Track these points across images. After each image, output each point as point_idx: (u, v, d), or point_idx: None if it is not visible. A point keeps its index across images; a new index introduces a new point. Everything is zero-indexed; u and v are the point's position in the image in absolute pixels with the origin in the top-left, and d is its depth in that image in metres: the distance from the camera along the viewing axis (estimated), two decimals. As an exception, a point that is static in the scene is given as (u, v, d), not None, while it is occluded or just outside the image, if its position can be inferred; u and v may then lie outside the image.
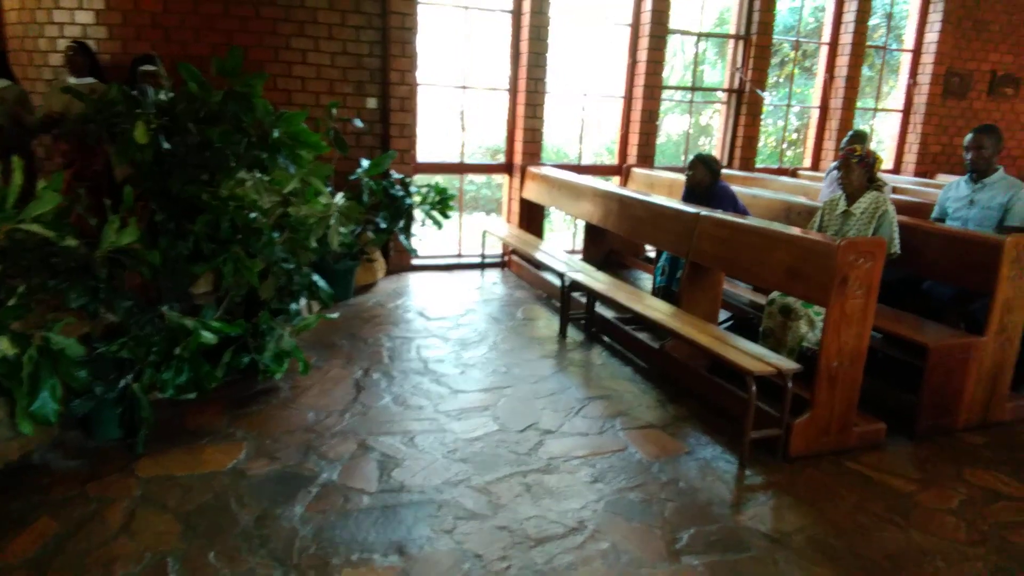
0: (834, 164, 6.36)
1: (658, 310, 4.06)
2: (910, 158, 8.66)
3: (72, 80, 4.78)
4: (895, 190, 6.18)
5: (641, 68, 6.88)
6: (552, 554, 2.48)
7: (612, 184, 6.29)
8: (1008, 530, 2.77)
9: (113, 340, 3.00)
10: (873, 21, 7.96)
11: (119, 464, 2.94)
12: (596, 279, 4.70)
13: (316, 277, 4.04)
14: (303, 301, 4.11)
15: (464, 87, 6.41)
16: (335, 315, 4.29)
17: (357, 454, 3.11)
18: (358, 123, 5.65)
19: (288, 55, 5.67)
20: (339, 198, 4.15)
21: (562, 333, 4.80)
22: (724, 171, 5.81)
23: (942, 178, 7.92)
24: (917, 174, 8.48)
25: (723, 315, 4.65)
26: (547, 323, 5.06)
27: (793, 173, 7.90)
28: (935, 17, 8.14)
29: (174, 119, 3.51)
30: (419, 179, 6.22)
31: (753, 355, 3.33)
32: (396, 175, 5.78)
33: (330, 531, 2.56)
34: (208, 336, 3.16)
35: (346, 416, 3.47)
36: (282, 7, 5.53)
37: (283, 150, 3.79)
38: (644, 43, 6.81)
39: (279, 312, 3.87)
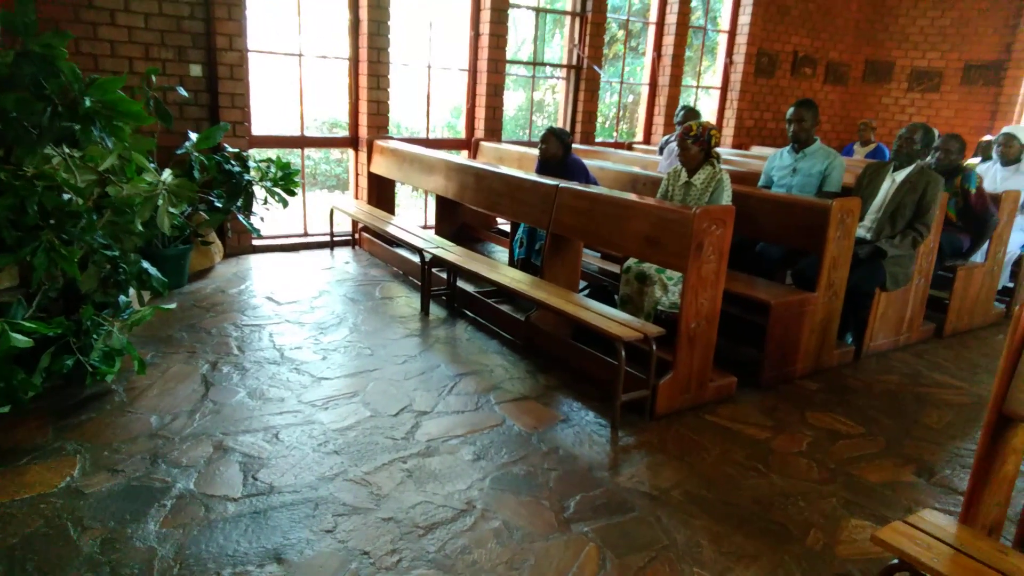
0: (666, 137, 6.72)
1: (522, 282, 4.06)
2: (728, 131, 9.37)
3: None
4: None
5: (484, 41, 6.81)
6: (444, 540, 2.39)
7: (464, 157, 6.21)
8: (850, 465, 3.09)
9: None
10: (691, 3, 8.45)
11: (-89, 499, 2.44)
12: (457, 254, 4.61)
13: (146, 264, 3.59)
14: (132, 292, 3.64)
15: (300, 55, 5.99)
16: (172, 305, 3.85)
17: (214, 458, 2.81)
18: (182, 92, 5.08)
19: (91, 15, 4.95)
20: (167, 175, 3.70)
21: (424, 310, 4.67)
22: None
23: (757, 149, 8.64)
24: (735, 146, 9.20)
25: (581, 284, 4.76)
26: (407, 301, 4.90)
27: (629, 147, 8.26)
28: (747, 0, 8.81)
29: (-50, 83, 2.93)
30: (257, 154, 5.75)
31: (618, 321, 3.42)
32: (231, 149, 5.29)
33: (194, 547, 2.29)
34: (20, 339, 2.70)
35: (196, 417, 3.13)
36: (81, -43, 4.81)
37: (98, 121, 3.29)
38: (486, 16, 6.74)
39: (104, 306, 3.40)
